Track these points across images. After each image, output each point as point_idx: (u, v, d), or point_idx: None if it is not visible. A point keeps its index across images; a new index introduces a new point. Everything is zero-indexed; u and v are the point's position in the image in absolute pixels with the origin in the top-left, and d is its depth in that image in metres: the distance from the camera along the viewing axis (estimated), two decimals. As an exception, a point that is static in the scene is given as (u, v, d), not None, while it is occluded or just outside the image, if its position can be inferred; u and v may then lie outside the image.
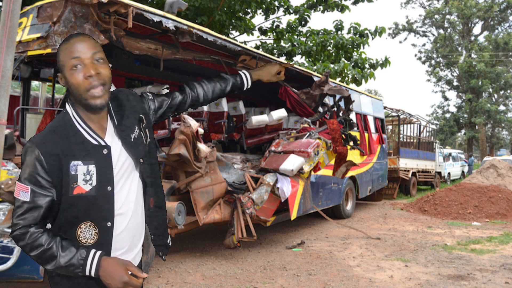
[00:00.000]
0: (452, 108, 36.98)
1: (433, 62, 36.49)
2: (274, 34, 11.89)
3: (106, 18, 3.79)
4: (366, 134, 8.93)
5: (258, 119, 6.42)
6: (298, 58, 16.68)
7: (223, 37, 5.01)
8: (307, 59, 11.57)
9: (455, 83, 35.64)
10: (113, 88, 3.25)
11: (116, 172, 1.43)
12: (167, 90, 5.39)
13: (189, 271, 4.70)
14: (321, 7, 11.72)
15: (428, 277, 4.55)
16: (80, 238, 1.39)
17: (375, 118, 9.81)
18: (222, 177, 5.08)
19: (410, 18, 63.47)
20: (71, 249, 1.34)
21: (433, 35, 36.35)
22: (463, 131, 36.32)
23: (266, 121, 6.54)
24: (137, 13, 3.82)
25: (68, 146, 1.37)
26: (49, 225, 1.41)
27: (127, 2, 3.74)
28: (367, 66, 11.72)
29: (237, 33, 11.60)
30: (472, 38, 34.61)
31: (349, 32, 12.13)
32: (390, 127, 14.92)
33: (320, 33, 11.83)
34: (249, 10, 11.09)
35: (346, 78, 11.11)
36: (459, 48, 34.80)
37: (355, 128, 8.17)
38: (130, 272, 1.36)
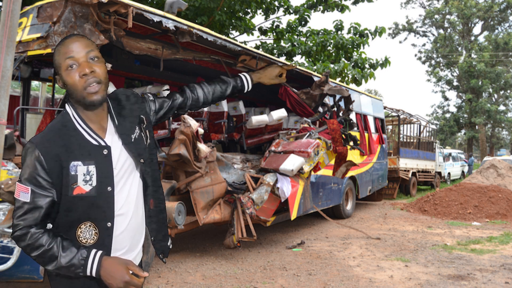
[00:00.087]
0: (452, 108, 37.03)
1: (433, 62, 36.50)
2: (274, 34, 11.89)
3: (106, 18, 3.79)
4: (366, 134, 8.93)
5: (258, 119, 6.42)
6: (298, 58, 16.70)
7: (223, 37, 5.01)
8: (307, 59, 11.57)
9: (455, 83, 35.64)
10: (113, 88, 3.25)
11: (116, 173, 1.43)
12: (168, 91, 5.40)
13: (189, 271, 4.70)
14: (321, 7, 11.72)
15: (428, 277, 4.55)
16: (80, 238, 1.39)
17: (375, 118, 9.81)
18: (222, 177, 5.08)
19: (410, 18, 63.56)
20: (72, 249, 1.34)
21: (433, 35, 36.38)
22: (463, 131, 36.32)
23: (266, 121, 6.54)
24: (137, 13, 3.82)
25: (68, 147, 1.37)
26: (49, 226, 1.41)
27: (127, 2, 3.74)
28: (367, 66, 11.72)
29: (237, 33, 11.61)
30: (472, 38, 34.62)
31: (349, 32, 12.13)
32: (390, 127, 14.92)
33: (320, 33, 11.83)
34: (249, 10, 11.09)
35: (346, 78, 11.11)
36: (459, 48, 34.80)
37: (355, 128, 8.17)
38: (131, 272, 1.36)
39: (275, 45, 11.60)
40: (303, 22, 11.79)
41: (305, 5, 11.81)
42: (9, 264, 3.16)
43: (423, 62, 37.01)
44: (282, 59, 10.67)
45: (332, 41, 11.44)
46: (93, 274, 1.34)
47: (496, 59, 32.20)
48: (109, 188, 1.41)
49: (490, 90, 33.29)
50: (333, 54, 11.77)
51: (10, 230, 2.89)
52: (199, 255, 5.46)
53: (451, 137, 37.66)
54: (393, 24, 41.93)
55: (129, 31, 4.26)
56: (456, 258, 5.38)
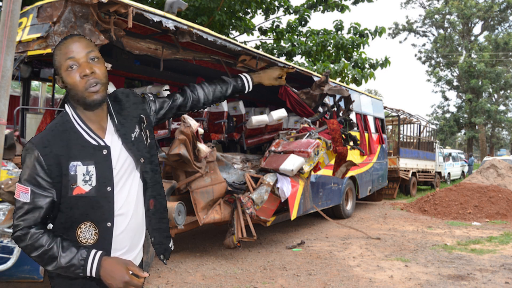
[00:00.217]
0: (452, 108, 37.03)
1: (433, 62, 36.50)
2: (274, 34, 11.89)
3: (106, 18, 3.79)
4: (366, 134, 8.93)
5: (258, 119, 6.42)
6: (298, 58, 16.69)
7: (223, 37, 5.01)
8: (307, 59, 11.57)
9: (455, 83, 35.64)
10: (113, 88, 3.25)
11: (116, 173, 1.43)
12: (168, 91, 5.40)
13: (189, 271, 4.70)
14: (321, 7, 11.72)
15: (428, 277, 4.55)
16: (80, 239, 1.39)
17: (375, 118, 9.81)
18: (222, 177, 5.08)
19: (410, 18, 63.54)
20: (72, 249, 1.34)
21: (433, 35, 36.38)
22: (463, 131, 36.33)
23: (266, 121, 6.54)
24: (137, 13, 3.82)
25: (68, 147, 1.37)
26: (50, 226, 1.41)
27: (127, 2, 3.74)
28: (367, 66, 11.72)
29: (237, 33, 11.61)
30: (472, 38, 34.62)
31: (349, 32, 12.13)
32: (390, 127, 14.92)
33: (320, 33, 11.83)
34: (249, 10, 11.09)
35: (346, 78, 11.11)
36: (459, 48, 34.80)
37: (355, 128, 8.17)
38: (131, 272, 1.36)
39: (275, 45, 11.60)
40: (303, 22, 11.79)
41: (305, 5, 11.81)
42: (9, 264, 3.16)
43: (423, 62, 37.02)
44: (282, 59, 10.68)
45: (332, 41, 11.44)
46: (93, 274, 1.34)
47: (496, 59, 32.20)
48: (108, 188, 1.41)
49: (490, 90, 33.29)
50: (333, 54, 11.77)
51: (10, 230, 2.89)
52: (199, 255, 5.46)
53: (451, 137, 37.66)
54: (393, 24, 41.97)
55: (129, 31, 4.26)
56: (456, 258, 5.38)
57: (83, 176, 1.37)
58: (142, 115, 1.57)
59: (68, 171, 1.36)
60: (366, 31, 11.91)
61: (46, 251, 1.33)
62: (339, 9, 11.60)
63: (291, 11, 11.70)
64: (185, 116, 4.72)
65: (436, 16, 34.55)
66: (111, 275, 1.33)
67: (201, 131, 5.06)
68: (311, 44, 11.32)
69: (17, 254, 3.16)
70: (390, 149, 13.58)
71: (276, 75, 2.05)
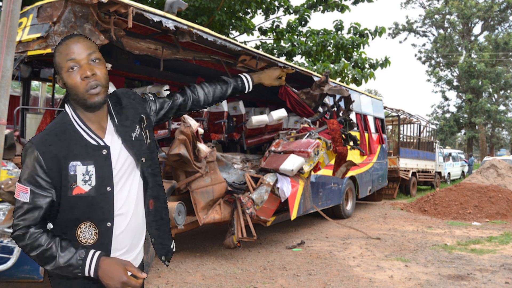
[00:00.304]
0: (452, 108, 37.03)
1: (433, 62, 36.50)
2: (274, 34, 11.89)
3: (106, 18, 3.79)
4: (366, 134, 8.93)
5: (258, 119, 6.42)
6: (298, 58, 16.69)
7: (223, 37, 5.00)
8: (307, 59, 11.57)
9: (455, 83, 35.64)
10: (113, 88, 3.25)
11: (115, 173, 1.43)
12: (168, 91, 5.40)
13: (189, 271, 4.70)
14: (321, 7, 11.72)
15: (428, 277, 4.55)
16: (80, 238, 1.39)
17: (375, 118, 9.81)
18: (222, 177, 5.08)
19: (410, 18, 63.58)
20: (70, 249, 1.34)
21: (433, 35, 36.37)
22: (463, 131, 36.32)
23: (266, 121, 6.54)
24: (137, 13, 3.82)
25: (67, 147, 1.37)
26: (50, 225, 1.41)
27: (127, 2, 3.74)
28: (367, 66, 11.72)
29: (237, 33, 11.61)
30: (472, 38, 34.61)
31: (349, 32, 12.13)
32: (390, 127, 14.92)
33: (320, 33, 11.83)
34: (249, 10, 11.09)
35: (346, 78, 11.11)
36: (459, 48, 34.80)
37: (355, 128, 8.17)
38: (130, 273, 1.36)
39: (275, 45, 11.60)
40: (303, 22, 11.79)
41: (305, 5, 11.81)
42: (9, 264, 3.16)
43: (423, 62, 37.02)
44: (282, 59, 10.67)
45: (332, 41, 11.44)
46: (91, 274, 1.34)
47: (496, 59, 32.20)
48: (108, 188, 1.41)
49: (490, 90, 33.29)
50: (333, 54, 11.77)
51: (10, 230, 2.89)
52: (199, 255, 5.46)
53: (451, 137, 37.66)
54: (393, 24, 41.97)
55: (129, 31, 4.26)
56: (456, 258, 5.38)
57: (83, 176, 1.37)
58: (142, 115, 1.57)
59: (68, 171, 1.36)
60: (366, 31, 11.91)
61: (45, 251, 1.33)
62: (339, 9, 11.60)
63: (291, 11, 11.70)
64: (185, 116, 4.72)
65: (436, 16, 34.56)
66: (109, 276, 1.33)
67: (201, 131, 5.06)
68: (311, 44, 11.32)
69: (17, 254, 3.16)
70: (390, 149, 13.58)
71: (276, 75, 2.05)
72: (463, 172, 22.69)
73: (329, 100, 6.87)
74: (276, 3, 11.40)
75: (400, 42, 76.21)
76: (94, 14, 3.69)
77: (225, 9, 9.99)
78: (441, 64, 35.89)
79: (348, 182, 8.43)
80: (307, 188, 5.84)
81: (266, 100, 8.48)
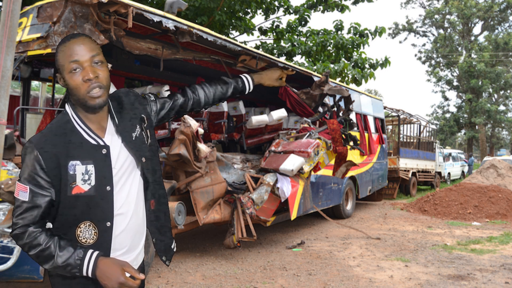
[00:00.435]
0: (452, 108, 37.03)
1: (433, 62, 36.50)
2: (274, 34, 11.89)
3: (106, 18, 3.79)
4: (366, 134, 8.93)
5: (258, 119, 6.42)
6: (298, 58, 16.70)
7: (223, 37, 5.00)
8: (307, 59, 11.57)
9: (455, 83, 35.64)
10: (113, 88, 3.26)
11: (115, 172, 1.43)
12: (168, 92, 5.40)
13: (189, 271, 4.70)
14: (321, 7, 11.72)
15: (428, 277, 4.55)
16: (80, 238, 1.39)
17: (375, 118, 9.81)
18: (222, 177, 5.08)
19: (410, 18, 63.58)
20: (69, 249, 1.35)
21: (433, 35, 36.38)
22: (463, 131, 36.32)
23: (266, 121, 6.54)
24: (137, 13, 3.82)
25: (67, 146, 1.38)
26: (49, 225, 1.41)
27: (127, 2, 3.74)
28: (367, 66, 11.72)
29: (237, 33, 11.61)
30: (472, 38, 34.61)
31: (349, 32, 12.13)
32: (390, 127, 14.92)
33: (320, 33, 11.83)
34: (249, 10, 11.09)
35: (346, 78, 11.11)
36: (459, 48, 34.80)
37: (355, 128, 8.17)
38: (129, 275, 1.36)
39: (275, 45, 11.60)
40: (303, 22, 11.79)
41: (305, 5, 11.81)
42: (9, 264, 3.16)
43: (423, 62, 37.02)
44: (282, 59, 10.67)
45: (332, 41, 11.44)
46: (89, 274, 1.34)
47: (496, 59, 32.20)
48: (108, 188, 1.41)
49: (490, 90, 33.29)
50: (333, 54, 11.77)
51: (10, 230, 2.89)
52: (199, 255, 5.46)
53: (451, 137, 37.66)
54: (393, 24, 41.97)
55: (129, 31, 4.25)
56: (456, 258, 5.38)
57: (82, 176, 1.37)
58: (143, 115, 1.57)
59: (67, 170, 1.36)
60: (366, 31, 11.91)
61: (44, 250, 1.33)
62: (339, 9, 11.60)
63: (291, 11, 11.70)
64: (185, 116, 4.72)
65: (436, 16, 34.56)
66: (107, 276, 1.33)
67: (201, 131, 5.06)
68: (311, 44, 11.32)
69: (17, 254, 3.16)
70: (390, 149, 13.58)
71: (277, 76, 2.06)
72: (463, 172, 22.69)
73: (329, 100, 6.87)
74: (276, 3, 11.40)
75: (400, 42, 76.25)
76: (94, 14, 3.69)
77: (225, 9, 9.99)
78: (441, 64, 35.90)
79: (348, 182, 8.43)
80: (307, 188, 5.84)
81: (266, 100, 8.48)
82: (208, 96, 1.82)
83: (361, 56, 11.72)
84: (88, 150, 1.40)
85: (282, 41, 11.72)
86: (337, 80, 10.51)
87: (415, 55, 42.45)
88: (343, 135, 6.05)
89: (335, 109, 6.63)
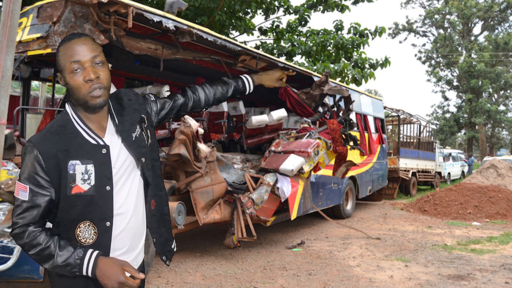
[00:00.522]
0: (452, 108, 37.04)
1: (433, 62, 36.50)
2: (274, 34, 11.90)
3: (106, 18, 3.79)
4: (366, 134, 8.93)
5: (258, 119, 6.42)
6: (298, 58, 16.70)
7: (223, 37, 5.00)
8: (307, 59, 11.57)
9: (455, 83, 35.64)
10: (113, 88, 3.25)
11: (115, 172, 1.43)
12: (168, 92, 5.40)
13: (189, 271, 4.70)
14: (321, 7, 11.72)
15: (428, 277, 4.55)
16: (80, 238, 1.39)
17: (375, 118, 9.81)
18: (222, 177, 5.08)
19: (410, 18, 63.58)
20: (69, 248, 1.35)
21: (433, 35, 36.38)
22: (463, 131, 36.32)
23: (266, 121, 6.54)
24: (137, 13, 3.82)
25: (67, 146, 1.38)
26: (49, 224, 1.41)
27: (127, 2, 3.74)
28: (367, 66, 11.72)
29: (237, 33, 11.61)
30: (472, 38, 34.62)
31: (349, 32, 12.13)
32: (390, 127, 14.92)
33: (320, 33, 11.83)
34: (249, 10, 11.10)
35: (346, 78, 11.11)
36: (459, 48, 34.80)
37: (355, 128, 8.17)
38: (129, 275, 1.36)
39: (275, 45, 11.60)
40: (303, 22, 11.79)
41: (305, 5, 11.81)
42: (9, 264, 3.16)
43: (423, 62, 37.02)
44: (282, 59, 10.67)
45: (332, 41, 11.44)
46: (89, 274, 1.34)
47: (496, 59, 32.20)
48: (107, 187, 1.41)
49: (490, 90, 33.29)
50: (333, 54, 11.77)
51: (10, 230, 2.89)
52: (199, 255, 5.46)
53: (451, 137, 37.66)
54: (393, 24, 41.96)
55: (129, 31, 4.26)
56: (456, 258, 5.38)
57: (82, 175, 1.37)
58: (143, 115, 1.57)
59: (67, 170, 1.36)
60: (366, 31, 11.91)
61: (43, 249, 1.34)
62: (339, 9, 11.60)
63: (291, 11, 11.70)
64: (185, 116, 4.71)
65: (436, 16, 34.56)
66: (106, 275, 1.33)
67: (201, 131, 5.06)
68: (311, 44, 11.32)
69: (17, 254, 3.16)
70: (390, 149, 13.58)
71: (277, 77, 2.06)
72: (463, 172, 22.69)
73: (329, 100, 6.87)
74: (276, 3, 11.40)
75: (400, 42, 76.23)
76: (94, 14, 3.69)
77: (225, 9, 9.99)
78: (441, 64, 35.90)
79: (348, 182, 8.43)
80: (307, 188, 5.84)
81: (266, 100, 8.48)
82: (208, 97, 1.82)
83: (361, 56, 11.72)
84: (88, 149, 1.40)
85: (282, 41, 11.72)
86: (337, 80, 10.51)
87: (415, 55, 42.48)
88: (343, 135, 6.05)
89: (335, 109, 6.63)
